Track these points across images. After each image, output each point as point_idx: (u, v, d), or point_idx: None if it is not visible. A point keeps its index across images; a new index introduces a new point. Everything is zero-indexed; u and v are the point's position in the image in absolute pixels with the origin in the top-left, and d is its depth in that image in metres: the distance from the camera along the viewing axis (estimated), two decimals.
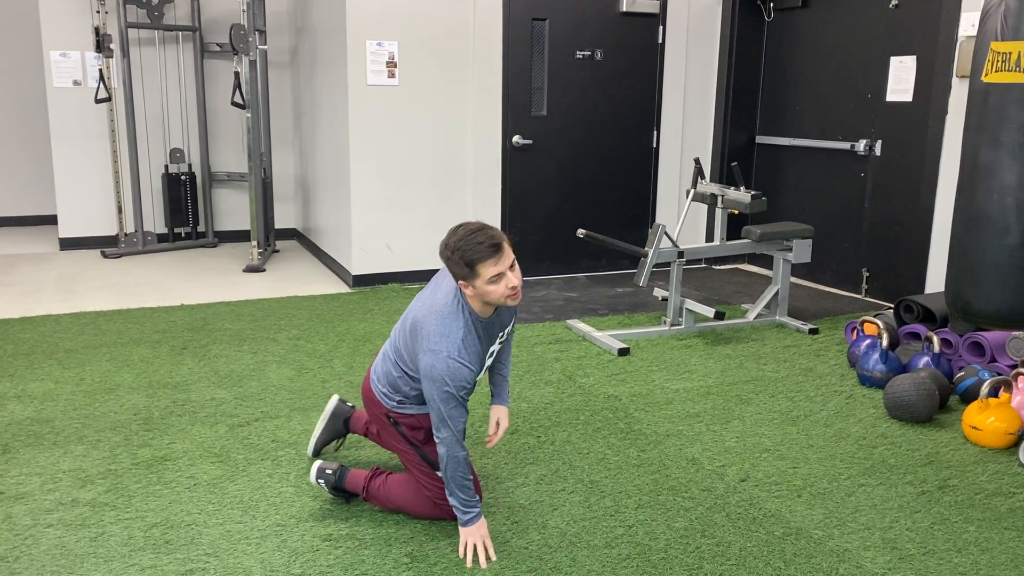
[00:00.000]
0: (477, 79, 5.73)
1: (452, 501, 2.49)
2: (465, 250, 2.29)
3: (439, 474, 2.57)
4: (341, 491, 2.74)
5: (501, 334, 2.58)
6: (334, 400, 3.07)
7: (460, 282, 2.36)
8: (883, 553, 2.51)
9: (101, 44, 6.45)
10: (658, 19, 6.09)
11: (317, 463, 2.76)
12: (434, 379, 2.36)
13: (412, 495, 2.65)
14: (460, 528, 2.49)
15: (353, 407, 3.10)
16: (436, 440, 2.44)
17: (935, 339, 3.85)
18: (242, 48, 6.08)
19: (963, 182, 3.21)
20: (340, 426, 3.05)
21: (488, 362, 2.55)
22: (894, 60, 5.28)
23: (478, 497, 2.53)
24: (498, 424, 2.73)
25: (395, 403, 2.61)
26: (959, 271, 3.24)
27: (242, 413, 3.48)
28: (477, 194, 5.86)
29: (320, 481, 2.73)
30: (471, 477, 2.49)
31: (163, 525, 2.59)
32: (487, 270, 2.29)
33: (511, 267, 2.35)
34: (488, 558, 2.44)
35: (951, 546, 2.56)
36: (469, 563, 2.42)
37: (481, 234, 2.31)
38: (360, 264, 5.74)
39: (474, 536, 2.46)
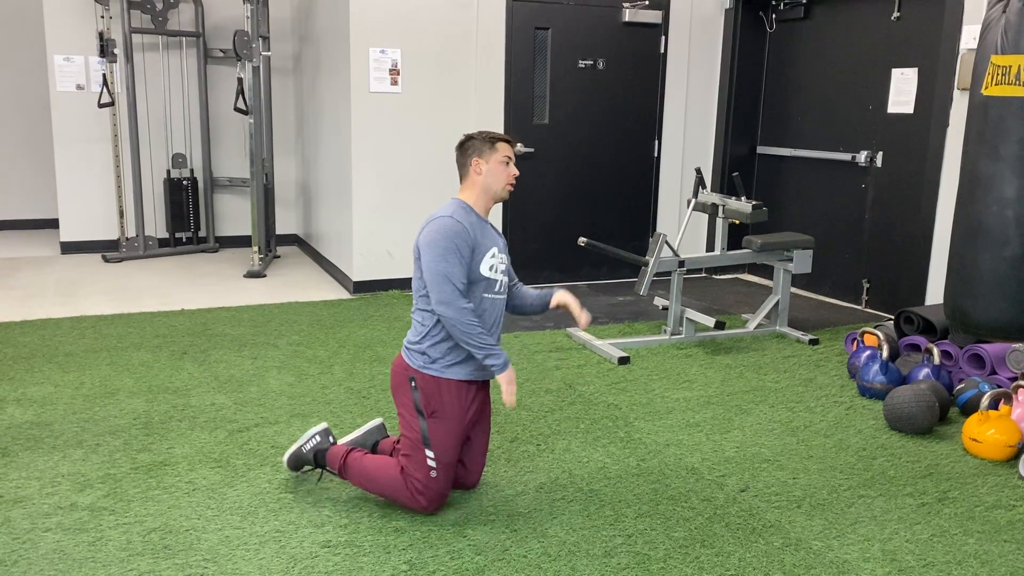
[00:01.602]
0: (479, 87, 5.74)
1: (482, 353, 2.64)
2: (490, 133, 2.77)
3: (429, 454, 2.66)
4: (320, 464, 2.89)
5: (497, 250, 2.76)
6: (377, 421, 3.07)
7: (474, 159, 2.73)
8: (882, 565, 2.51)
9: (105, 49, 6.47)
10: (660, 29, 6.11)
11: (323, 425, 2.94)
12: (433, 242, 2.63)
13: (391, 477, 2.72)
14: (498, 377, 2.66)
15: (388, 436, 3.08)
16: (441, 304, 2.61)
17: (935, 351, 3.85)
18: (245, 54, 6.10)
19: (963, 194, 3.21)
20: (368, 447, 3.02)
21: (494, 274, 2.73)
22: (895, 72, 5.30)
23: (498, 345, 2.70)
24: (570, 304, 2.91)
25: (420, 362, 2.71)
26: (959, 283, 3.24)
27: (242, 419, 3.48)
28: None
29: (316, 439, 2.90)
30: (479, 327, 2.64)
31: (162, 530, 2.59)
32: (505, 149, 2.75)
33: (515, 164, 2.79)
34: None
35: (951, 559, 2.56)
36: (511, 403, 2.66)
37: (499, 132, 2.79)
38: (361, 270, 5.74)
39: (512, 378, 2.67)
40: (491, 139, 2.74)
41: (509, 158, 2.76)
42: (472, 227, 2.69)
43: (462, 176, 2.79)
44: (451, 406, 2.70)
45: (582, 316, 2.92)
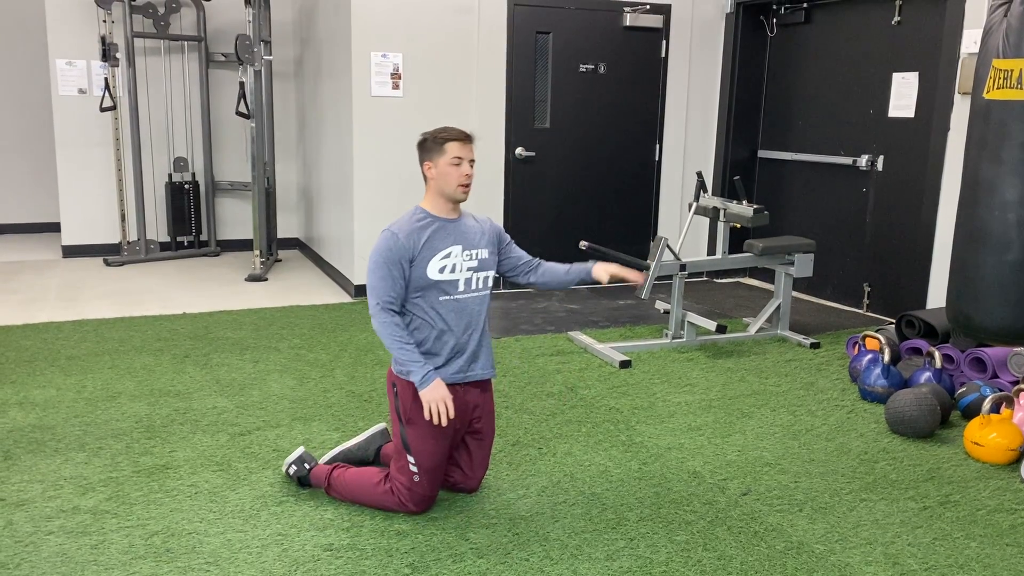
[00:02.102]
0: (481, 91, 5.75)
1: (404, 363, 2.62)
2: (440, 131, 2.70)
3: (409, 459, 2.68)
4: (306, 486, 2.90)
5: (462, 248, 2.72)
6: (380, 426, 3.09)
7: (426, 163, 2.70)
8: (885, 569, 2.51)
9: (107, 53, 6.48)
10: (661, 33, 6.12)
11: (300, 451, 2.90)
12: (370, 255, 2.66)
13: (372, 486, 2.75)
14: (420, 393, 2.61)
15: (311, 465, 3.05)
16: (372, 316, 2.64)
17: (937, 354, 3.85)
18: (247, 58, 6.11)
19: (964, 198, 3.22)
20: (371, 454, 3.04)
21: (450, 275, 2.68)
22: (896, 76, 5.30)
23: (424, 359, 2.66)
24: (610, 273, 2.97)
25: (398, 368, 2.71)
26: (961, 287, 3.24)
27: (243, 422, 3.48)
28: (479, 205, 5.87)
29: (292, 469, 2.88)
30: (409, 340, 2.63)
31: (164, 533, 2.59)
32: (455, 148, 2.66)
33: (471, 162, 2.71)
34: (448, 416, 2.62)
35: (953, 562, 2.56)
36: (441, 421, 2.61)
37: (455, 127, 2.72)
38: (362, 274, 5.74)
39: (435, 396, 2.60)
40: (441, 139, 2.67)
41: (460, 158, 2.67)
42: (414, 235, 2.64)
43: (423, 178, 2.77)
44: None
45: (631, 275, 2.96)
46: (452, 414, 2.63)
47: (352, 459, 3.01)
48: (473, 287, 2.75)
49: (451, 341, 2.72)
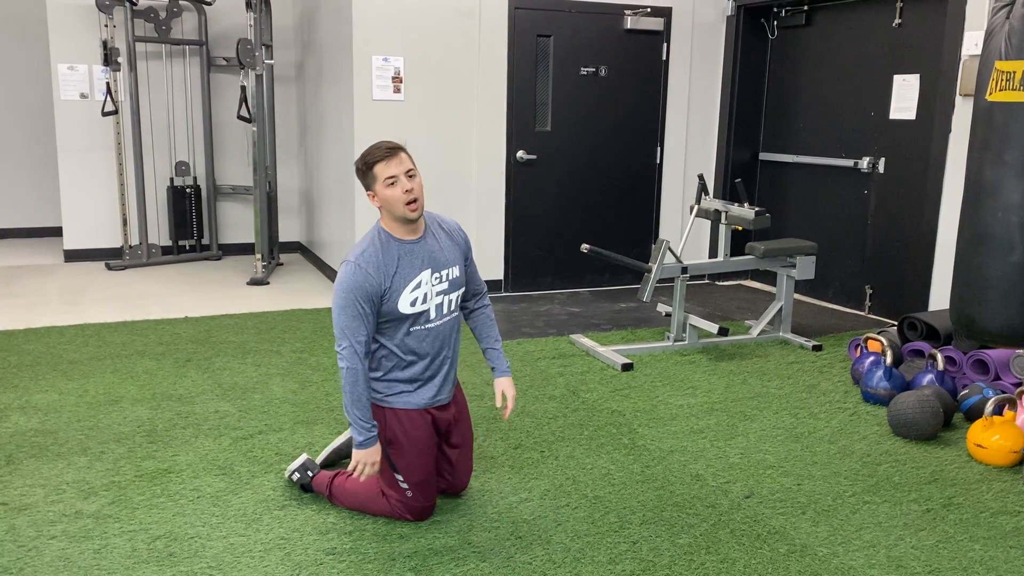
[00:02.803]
0: (482, 94, 5.76)
1: (351, 419, 2.55)
2: (365, 154, 2.52)
3: (399, 477, 2.66)
4: (308, 491, 2.89)
5: (430, 272, 2.58)
6: (300, 461, 3.06)
7: (368, 193, 2.54)
8: (888, 571, 2.50)
9: (109, 58, 6.49)
10: (662, 36, 6.12)
11: (303, 458, 2.88)
12: (337, 291, 2.50)
13: (372, 496, 2.73)
14: (354, 451, 2.56)
15: (314, 472, 3.04)
16: (337, 354, 2.52)
17: (939, 357, 3.85)
18: (248, 62, 6.12)
19: (967, 200, 3.21)
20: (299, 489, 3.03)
21: (422, 305, 2.57)
22: (897, 78, 5.30)
23: (375, 422, 2.59)
24: (504, 396, 2.82)
25: (375, 396, 2.66)
26: (963, 289, 3.24)
27: (246, 426, 3.48)
28: (481, 209, 5.87)
29: (296, 475, 2.85)
30: (365, 398, 2.54)
31: (166, 537, 2.59)
32: (382, 170, 2.48)
33: (408, 174, 2.51)
34: (370, 475, 2.60)
35: (956, 565, 2.55)
36: (361, 479, 2.59)
37: (382, 143, 2.53)
38: None
39: (367, 459, 2.56)
40: (368, 164, 2.50)
41: (392, 176, 2.47)
42: (383, 267, 2.50)
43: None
44: (408, 431, 2.64)
45: (506, 410, 2.81)
46: (376, 473, 2.61)
47: (344, 455, 3.04)
48: (444, 312, 2.65)
49: (419, 367, 2.64)
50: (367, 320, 2.50)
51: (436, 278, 2.61)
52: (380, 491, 2.73)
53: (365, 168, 2.52)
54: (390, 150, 2.50)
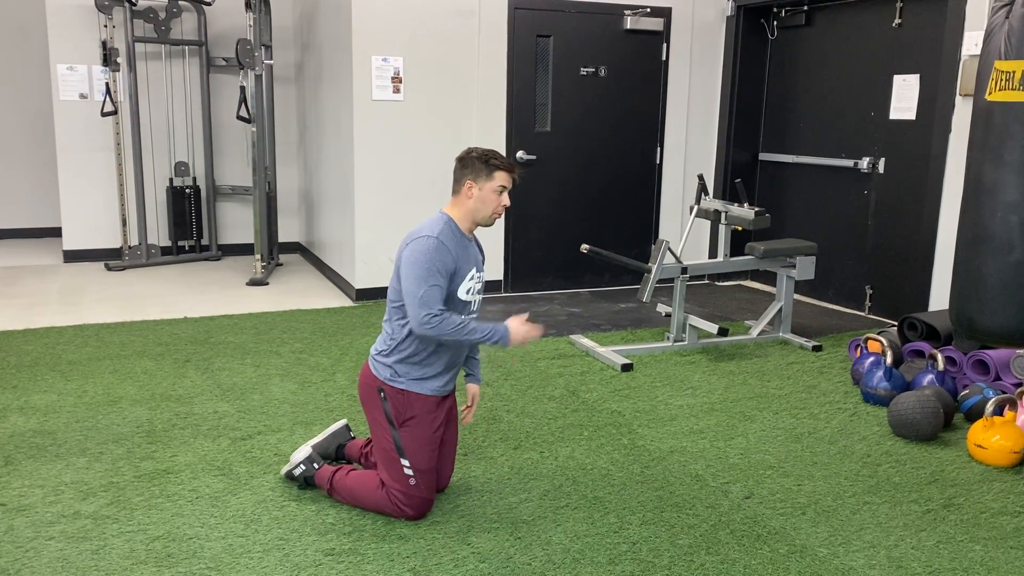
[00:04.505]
0: (482, 95, 5.75)
1: (484, 341, 2.64)
2: (492, 157, 2.67)
3: (404, 463, 2.67)
4: (310, 485, 2.92)
5: (476, 270, 2.73)
6: (341, 423, 3.11)
7: (468, 182, 2.66)
8: (888, 572, 2.50)
9: (108, 58, 6.49)
10: (662, 37, 6.12)
11: (308, 451, 2.91)
12: (416, 262, 2.57)
13: (373, 491, 2.74)
14: (511, 337, 2.66)
15: (353, 436, 3.13)
16: (422, 325, 2.57)
17: (939, 357, 3.84)
18: (248, 63, 6.11)
19: (967, 200, 3.21)
20: (332, 451, 3.06)
21: (470, 296, 2.72)
22: (897, 78, 5.30)
23: (489, 325, 2.67)
24: (472, 400, 2.92)
25: (387, 375, 2.71)
26: (963, 289, 3.23)
27: (245, 426, 3.48)
28: None
29: (300, 468, 2.87)
30: (471, 326, 2.62)
31: (165, 538, 2.59)
32: (500, 177, 2.66)
33: (508, 192, 2.72)
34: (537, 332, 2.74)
35: (957, 565, 2.55)
36: (535, 338, 2.73)
37: (500, 153, 2.71)
38: (363, 278, 5.75)
39: (523, 335, 2.68)
40: (490, 165, 2.66)
41: (504, 187, 2.68)
42: (457, 249, 2.66)
43: (455, 190, 2.72)
44: (421, 414, 2.72)
45: (468, 412, 2.93)
46: (538, 332, 2.73)
47: (290, 479, 3.01)
48: (473, 309, 2.79)
49: (445, 358, 2.74)
50: (442, 292, 2.61)
51: (478, 277, 2.77)
52: (380, 485, 2.74)
53: (484, 165, 2.65)
54: (513, 166, 2.71)
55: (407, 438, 2.70)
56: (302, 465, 2.89)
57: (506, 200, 2.70)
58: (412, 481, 2.70)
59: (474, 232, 2.81)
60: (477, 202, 2.68)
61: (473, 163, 2.67)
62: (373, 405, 2.75)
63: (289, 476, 2.94)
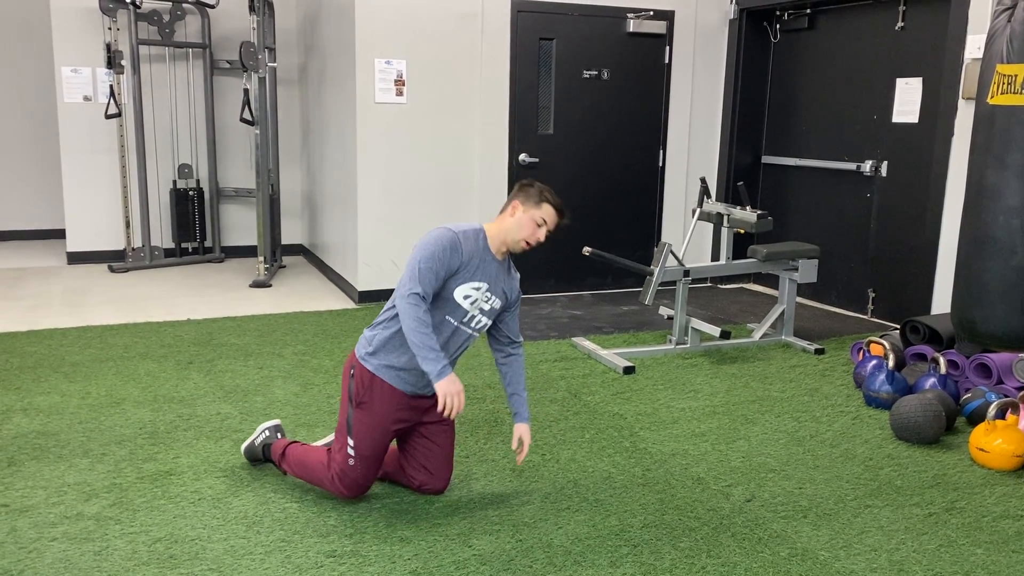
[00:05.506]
0: (484, 97, 5.76)
1: (423, 356, 2.60)
2: (548, 192, 2.79)
3: (349, 442, 2.74)
4: (264, 458, 3.05)
5: (487, 287, 2.74)
6: (271, 423, 3.13)
7: (516, 202, 2.76)
8: (890, 575, 2.50)
9: (112, 60, 6.51)
10: (664, 40, 6.12)
11: (277, 421, 3.08)
12: (426, 242, 2.66)
13: (318, 461, 2.84)
14: (437, 385, 2.61)
15: (282, 437, 3.10)
16: (401, 297, 2.62)
17: (941, 360, 3.84)
18: (251, 65, 6.13)
19: (968, 204, 3.21)
20: (258, 449, 3.08)
21: (469, 306, 2.73)
22: (900, 81, 5.30)
23: (444, 353, 2.67)
24: (521, 441, 2.91)
25: (364, 351, 2.78)
26: (965, 292, 3.23)
27: (247, 428, 3.48)
28: (483, 211, 5.87)
29: (264, 435, 3.02)
30: (431, 330, 2.62)
31: (167, 540, 2.59)
32: (546, 212, 2.76)
33: (547, 231, 2.80)
34: (460, 410, 2.66)
35: (958, 569, 2.54)
36: (452, 415, 2.65)
37: (556, 197, 2.81)
38: (366, 280, 5.75)
39: (451, 389, 2.61)
40: (543, 196, 2.76)
41: (545, 221, 2.76)
42: (469, 251, 2.70)
43: (502, 209, 2.82)
44: (379, 403, 2.75)
45: (520, 454, 2.92)
46: (462, 408, 2.65)
47: (250, 455, 3.10)
48: (473, 325, 2.79)
49: None
50: (437, 280, 2.66)
51: (486, 296, 2.77)
52: (323, 458, 2.83)
53: (537, 194, 2.76)
54: (563, 209, 2.80)
55: (357, 419, 2.75)
56: (267, 432, 3.03)
57: (541, 235, 2.77)
58: (351, 461, 2.76)
59: (508, 258, 2.83)
60: (515, 223, 2.75)
61: (528, 190, 2.78)
62: (344, 381, 2.85)
63: (249, 451, 3.05)
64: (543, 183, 2.83)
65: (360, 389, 2.76)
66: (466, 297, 2.72)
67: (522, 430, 2.91)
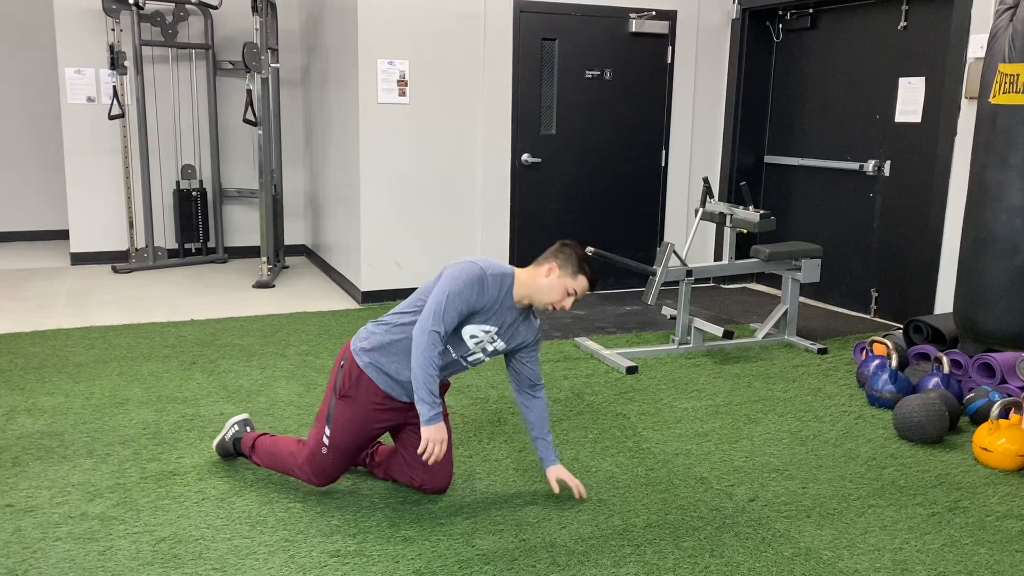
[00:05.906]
0: (487, 98, 5.77)
1: (421, 395, 2.62)
2: (589, 264, 2.74)
3: (326, 431, 2.77)
4: (235, 451, 3.09)
5: (497, 332, 2.74)
6: (239, 417, 3.16)
7: (553, 264, 2.71)
8: (893, 575, 2.50)
9: (115, 61, 6.52)
10: (667, 40, 6.12)
11: (245, 416, 3.12)
12: (455, 277, 2.64)
13: (288, 450, 2.89)
14: (423, 428, 2.63)
15: (250, 431, 3.13)
16: (423, 331, 2.60)
17: (945, 360, 3.84)
18: (254, 66, 6.14)
19: (971, 203, 3.21)
20: (229, 444, 3.12)
21: (473, 345, 2.74)
22: (903, 81, 5.30)
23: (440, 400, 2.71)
24: (562, 481, 2.88)
25: (360, 345, 2.79)
26: (968, 292, 3.23)
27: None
28: (486, 212, 5.88)
29: (234, 429, 3.06)
30: (437, 376, 2.63)
31: (171, 539, 2.60)
32: (579, 284, 2.72)
33: (576, 300, 2.77)
34: (438, 458, 2.67)
35: (962, 569, 2.54)
36: (430, 461, 2.66)
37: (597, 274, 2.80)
38: (369, 280, 5.76)
39: (436, 435, 2.63)
40: (582, 268, 2.72)
41: (576, 292, 2.73)
42: (492, 295, 2.68)
43: (537, 262, 2.76)
44: (362, 399, 2.77)
45: (577, 488, 2.89)
46: (440, 457, 2.66)
47: (223, 451, 3.13)
48: (471, 360, 2.82)
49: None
50: (458, 319, 2.65)
51: (492, 338, 2.77)
52: (294, 445, 2.87)
53: (577, 264, 2.71)
54: (597, 284, 2.79)
55: (338, 409, 2.78)
56: (236, 426, 3.07)
57: (568, 304, 2.74)
58: (324, 450, 2.79)
59: (530, 310, 2.80)
60: (547, 285, 2.71)
61: (570, 255, 2.72)
62: (333, 372, 2.86)
63: (221, 447, 3.09)
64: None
65: (346, 382, 2.79)
66: (472, 336, 2.73)
67: (558, 471, 2.87)
